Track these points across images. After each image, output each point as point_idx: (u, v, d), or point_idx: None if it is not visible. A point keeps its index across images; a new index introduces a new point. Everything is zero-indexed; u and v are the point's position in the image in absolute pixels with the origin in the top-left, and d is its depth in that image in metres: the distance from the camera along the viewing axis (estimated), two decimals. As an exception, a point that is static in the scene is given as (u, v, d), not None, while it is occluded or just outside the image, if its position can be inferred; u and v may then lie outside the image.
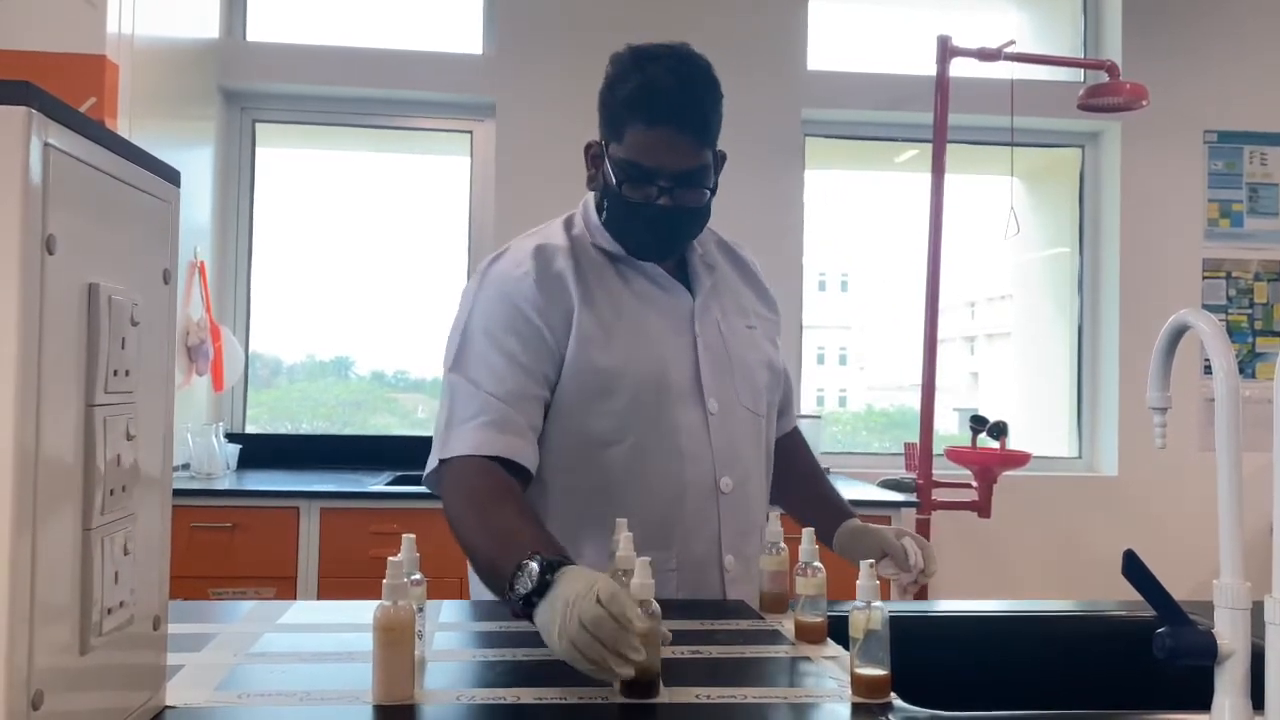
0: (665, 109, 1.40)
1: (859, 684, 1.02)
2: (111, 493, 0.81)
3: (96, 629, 0.79)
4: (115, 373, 0.81)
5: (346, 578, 3.02)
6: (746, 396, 1.54)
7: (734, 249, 1.68)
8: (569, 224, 1.56)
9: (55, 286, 0.73)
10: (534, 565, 1.09)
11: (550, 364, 1.43)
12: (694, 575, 1.46)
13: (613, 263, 1.52)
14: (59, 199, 0.73)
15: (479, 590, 1.46)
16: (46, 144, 0.71)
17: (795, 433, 1.79)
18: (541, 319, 1.43)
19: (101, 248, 0.81)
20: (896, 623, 1.03)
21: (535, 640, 1.22)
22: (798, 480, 1.70)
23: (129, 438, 0.84)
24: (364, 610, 1.05)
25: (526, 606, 1.09)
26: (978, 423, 3.26)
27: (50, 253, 0.72)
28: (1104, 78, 3.36)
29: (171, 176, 0.95)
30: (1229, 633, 0.88)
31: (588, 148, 1.52)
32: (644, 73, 1.42)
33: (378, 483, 3.29)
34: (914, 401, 3.49)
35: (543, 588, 1.07)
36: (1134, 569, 0.91)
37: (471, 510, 1.31)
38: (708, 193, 1.46)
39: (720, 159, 1.51)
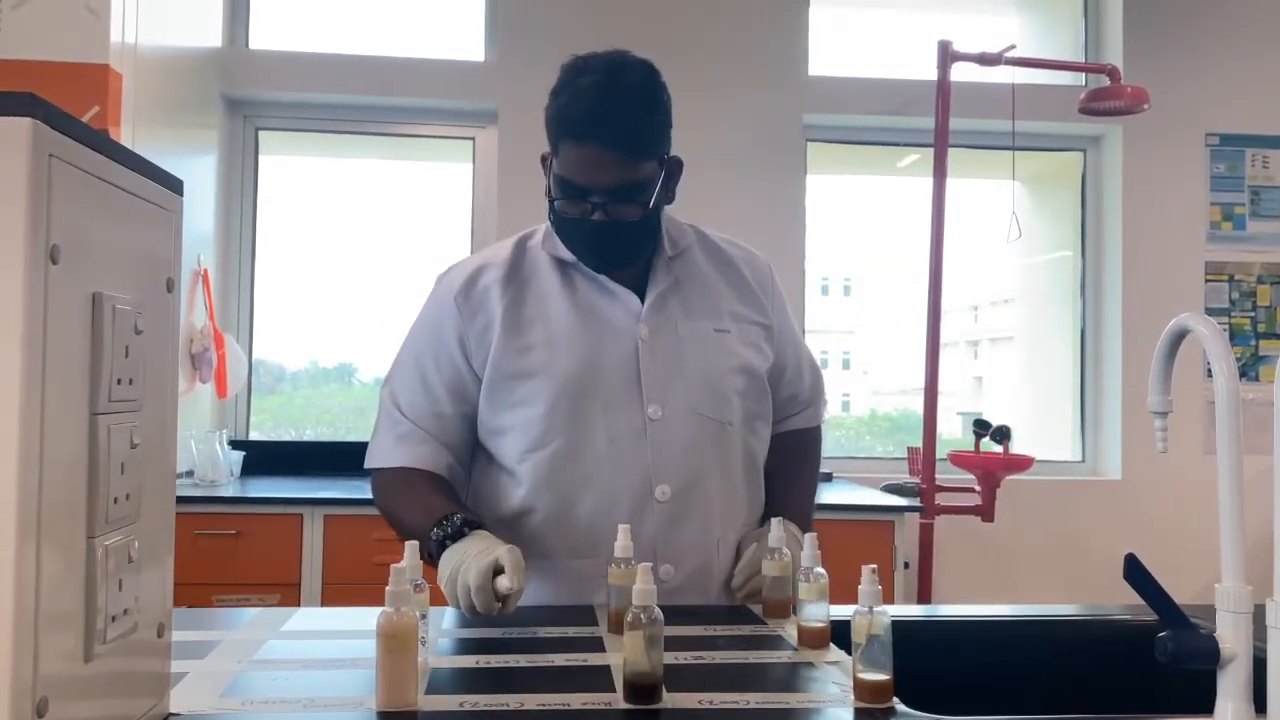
0: (589, 126, 1.37)
1: (861, 689, 1.02)
2: (115, 501, 0.81)
3: (101, 636, 0.80)
4: (119, 381, 0.82)
5: (350, 584, 3.02)
6: (704, 403, 1.49)
7: (724, 249, 1.62)
8: (529, 235, 1.58)
9: (59, 296, 0.73)
10: (456, 519, 1.35)
11: (461, 384, 1.51)
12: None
13: (562, 270, 1.52)
14: (62, 209, 0.73)
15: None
16: (50, 155, 0.72)
17: (804, 434, 1.70)
18: (459, 341, 1.51)
19: (105, 257, 0.81)
20: (899, 627, 1.03)
21: (538, 646, 1.23)
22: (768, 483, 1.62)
23: (133, 446, 0.84)
24: (367, 617, 1.05)
25: (439, 548, 1.34)
26: (981, 427, 3.26)
27: (54, 263, 0.72)
28: (1105, 81, 3.36)
29: (174, 185, 0.96)
30: (1231, 636, 0.88)
31: (543, 158, 1.49)
32: (572, 87, 1.40)
33: (381, 489, 3.28)
34: (917, 406, 3.49)
35: (456, 535, 1.34)
36: (1135, 572, 0.91)
37: (398, 494, 1.49)
38: (644, 207, 1.42)
39: (674, 167, 1.49)
